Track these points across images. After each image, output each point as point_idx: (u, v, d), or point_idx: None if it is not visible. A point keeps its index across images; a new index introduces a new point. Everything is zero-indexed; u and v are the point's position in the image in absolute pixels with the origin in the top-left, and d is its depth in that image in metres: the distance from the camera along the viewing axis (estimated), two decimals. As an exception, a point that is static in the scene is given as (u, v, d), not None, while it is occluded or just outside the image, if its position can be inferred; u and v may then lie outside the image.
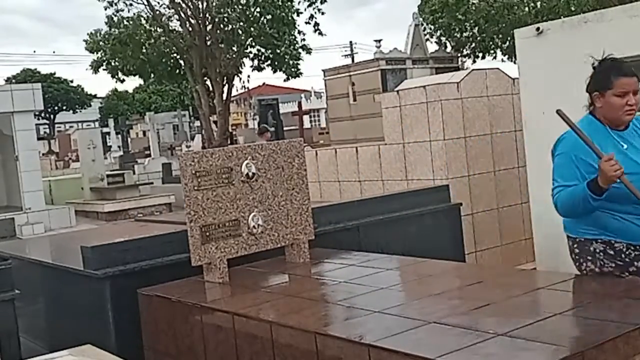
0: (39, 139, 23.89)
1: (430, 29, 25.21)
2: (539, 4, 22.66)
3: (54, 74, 52.66)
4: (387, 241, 4.85)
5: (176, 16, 20.85)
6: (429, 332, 2.68)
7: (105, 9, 21.72)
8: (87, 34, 24.27)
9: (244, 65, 22.37)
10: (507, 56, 25.24)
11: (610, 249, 3.35)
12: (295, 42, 22.61)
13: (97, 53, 24.00)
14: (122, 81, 24.66)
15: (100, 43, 23.37)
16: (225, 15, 20.09)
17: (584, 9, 17.86)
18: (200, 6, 20.32)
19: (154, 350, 3.86)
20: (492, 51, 25.75)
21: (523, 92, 5.71)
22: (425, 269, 3.90)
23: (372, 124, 17.22)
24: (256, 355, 3.13)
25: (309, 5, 21.60)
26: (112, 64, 23.80)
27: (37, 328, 4.80)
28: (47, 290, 4.75)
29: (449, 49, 25.22)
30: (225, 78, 21.19)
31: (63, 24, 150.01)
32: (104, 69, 24.28)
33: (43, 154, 29.60)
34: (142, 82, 39.92)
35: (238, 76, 22.00)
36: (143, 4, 21.10)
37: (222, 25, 20.57)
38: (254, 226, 4.07)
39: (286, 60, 22.52)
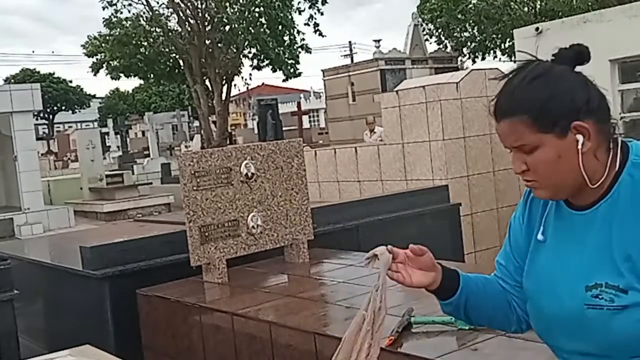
0: (37, 139, 23.89)
1: (430, 28, 25.20)
2: (538, 3, 22.65)
3: (53, 74, 52.60)
4: (386, 241, 4.81)
5: (175, 16, 20.83)
6: (428, 332, 2.68)
7: (104, 9, 21.70)
8: (87, 36, 24.27)
9: (243, 65, 22.37)
10: (506, 56, 25.22)
11: None
12: (294, 42, 22.58)
13: (96, 56, 23.98)
14: (118, 78, 24.60)
15: (102, 45, 23.33)
16: (225, 15, 20.07)
17: (583, 8, 17.86)
18: (199, 6, 20.30)
19: (153, 351, 3.86)
20: (491, 51, 25.75)
21: (522, 92, 5.70)
22: (424, 269, 3.89)
23: (371, 124, 17.18)
24: (255, 356, 3.13)
25: (310, 7, 21.60)
26: (112, 64, 23.77)
27: (36, 328, 4.79)
28: (46, 290, 4.74)
29: (448, 48, 25.22)
30: (224, 78, 21.17)
31: (62, 24, 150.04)
32: (104, 71, 24.27)
33: (42, 154, 29.56)
34: (141, 82, 39.91)
35: (239, 75, 22.01)
36: (142, 3, 21.09)
37: (221, 25, 20.55)
38: (253, 226, 4.06)
39: (285, 59, 22.49)
